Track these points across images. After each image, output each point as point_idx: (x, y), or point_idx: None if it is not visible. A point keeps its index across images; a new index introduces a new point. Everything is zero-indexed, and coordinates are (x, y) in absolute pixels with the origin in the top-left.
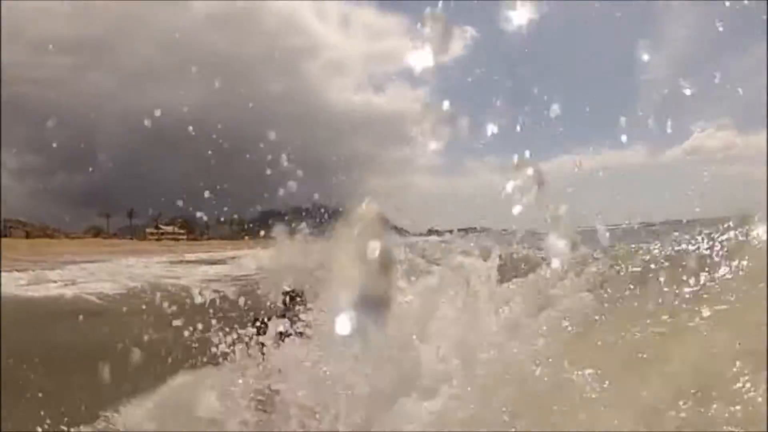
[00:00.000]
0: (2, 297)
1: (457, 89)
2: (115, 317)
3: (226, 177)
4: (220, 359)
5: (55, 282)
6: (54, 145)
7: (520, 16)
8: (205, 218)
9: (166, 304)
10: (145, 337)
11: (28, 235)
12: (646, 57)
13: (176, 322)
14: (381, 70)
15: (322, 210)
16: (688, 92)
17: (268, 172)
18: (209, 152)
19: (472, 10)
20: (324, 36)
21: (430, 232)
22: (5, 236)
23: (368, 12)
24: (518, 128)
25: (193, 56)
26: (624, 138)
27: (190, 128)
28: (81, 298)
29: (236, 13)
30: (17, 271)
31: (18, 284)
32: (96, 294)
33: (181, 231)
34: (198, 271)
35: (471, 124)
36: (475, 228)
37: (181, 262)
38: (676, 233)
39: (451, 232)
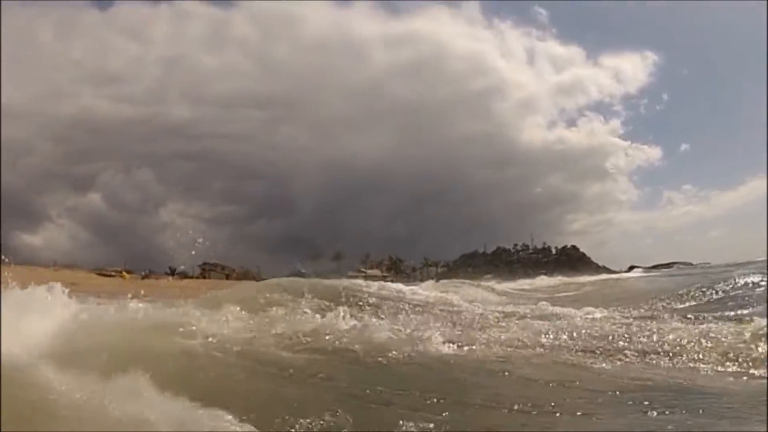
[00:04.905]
0: None
1: (647, 118)
2: None
3: (426, 220)
4: None
5: None
6: (251, 195)
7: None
8: (411, 261)
9: None
10: None
11: (227, 277)
12: None
13: None
14: (571, 103)
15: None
16: None
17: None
18: (406, 197)
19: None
20: (511, 75)
21: (631, 268)
22: (205, 278)
23: (551, 44)
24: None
25: (381, 106)
26: None
27: (386, 174)
28: None
29: (420, 61)
30: None
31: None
32: None
33: (386, 274)
34: None
35: (664, 154)
36: (677, 262)
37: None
38: None
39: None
